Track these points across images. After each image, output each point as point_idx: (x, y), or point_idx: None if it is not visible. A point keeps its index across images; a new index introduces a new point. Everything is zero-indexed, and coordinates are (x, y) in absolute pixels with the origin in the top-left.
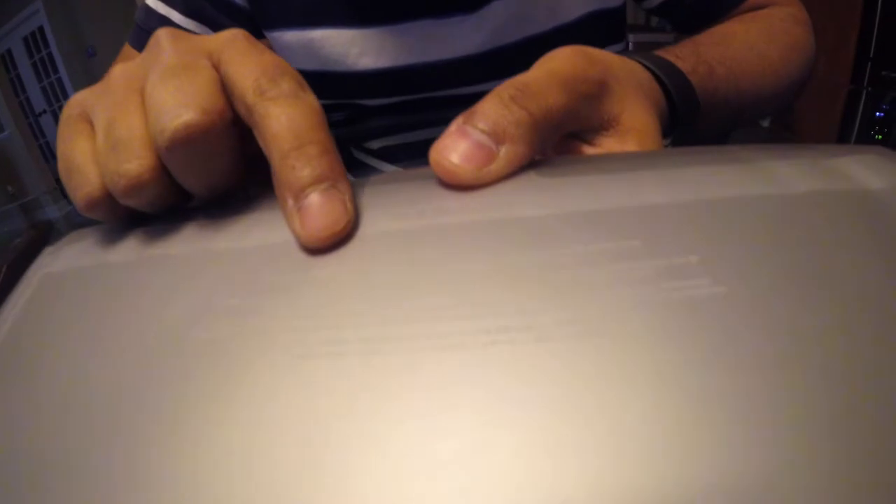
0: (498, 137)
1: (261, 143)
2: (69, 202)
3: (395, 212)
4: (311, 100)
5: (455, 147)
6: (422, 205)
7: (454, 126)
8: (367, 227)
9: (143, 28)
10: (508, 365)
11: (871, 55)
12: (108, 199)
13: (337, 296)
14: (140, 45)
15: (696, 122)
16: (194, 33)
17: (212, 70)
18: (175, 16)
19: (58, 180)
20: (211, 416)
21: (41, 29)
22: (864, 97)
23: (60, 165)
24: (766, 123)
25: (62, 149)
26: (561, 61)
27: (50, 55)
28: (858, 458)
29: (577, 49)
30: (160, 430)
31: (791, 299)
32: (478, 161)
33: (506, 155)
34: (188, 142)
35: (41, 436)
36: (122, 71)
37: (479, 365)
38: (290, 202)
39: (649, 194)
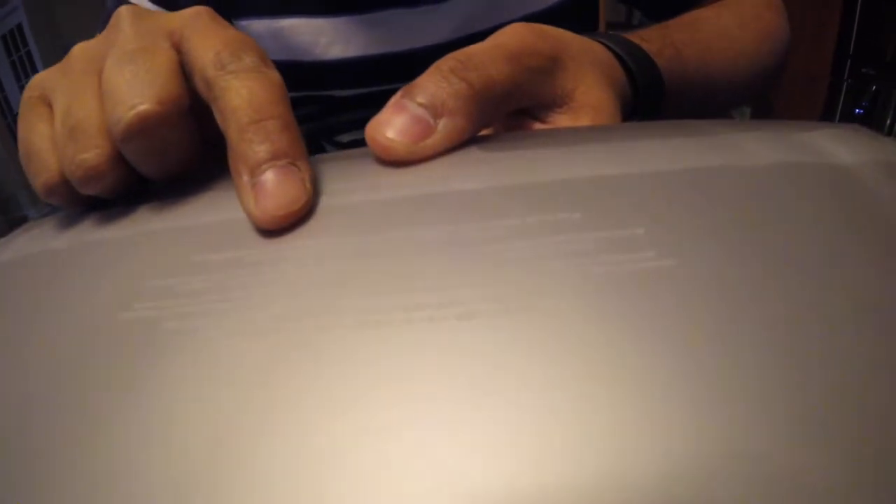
0: (436, 110)
1: (218, 119)
2: (46, 203)
3: (326, 188)
4: (273, 75)
5: (390, 122)
6: (354, 181)
7: (392, 100)
8: None
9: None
10: (423, 344)
11: (851, 52)
12: (66, 186)
13: (260, 275)
14: None
15: (661, 104)
16: None
17: (170, 53)
18: (146, 4)
19: None
20: (131, 395)
21: (20, 27)
22: (843, 91)
23: (20, 149)
24: (746, 114)
25: (22, 132)
26: (509, 35)
27: (29, 54)
28: (819, 438)
29: (529, 25)
30: (76, 415)
31: (747, 273)
32: (413, 135)
33: (444, 128)
34: (143, 132)
35: None
36: (82, 51)
37: (392, 343)
38: (245, 178)
39: (595, 167)
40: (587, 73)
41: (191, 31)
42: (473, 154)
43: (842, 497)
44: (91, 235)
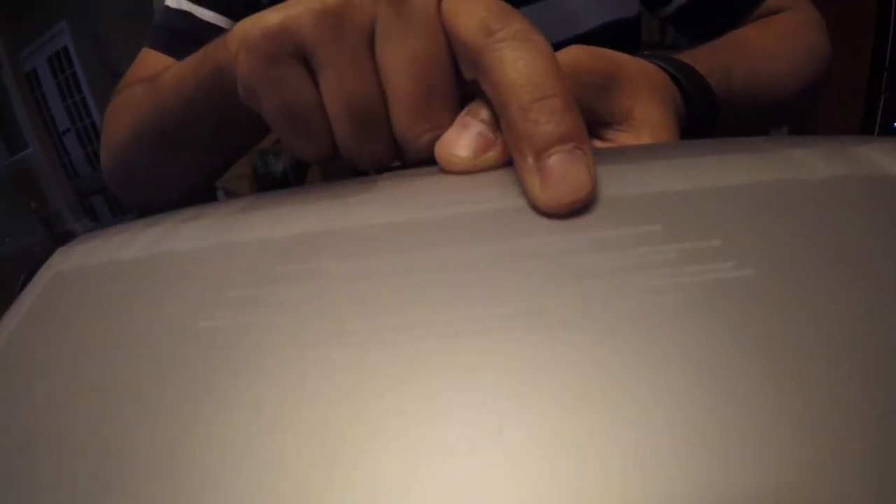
0: (495, 125)
1: (489, 90)
2: (90, 219)
3: (407, 203)
4: (543, 43)
5: (455, 139)
6: (435, 196)
7: (458, 118)
8: (377, 219)
9: (165, 27)
10: (520, 351)
11: (888, 64)
12: (332, 156)
13: (343, 286)
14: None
15: (714, 123)
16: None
17: (443, 41)
18: (199, 11)
19: (80, 197)
20: (215, 404)
21: (65, 49)
22: (881, 104)
23: (276, 108)
24: (784, 132)
25: (280, 93)
26: (565, 54)
27: (74, 75)
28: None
29: (585, 46)
30: (162, 421)
31: (826, 282)
32: (475, 149)
33: (503, 141)
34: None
35: (42, 432)
36: (343, 2)
37: (489, 351)
38: (531, 160)
39: (667, 181)
40: (644, 91)
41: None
42: None
43: None
44: (157, 248)
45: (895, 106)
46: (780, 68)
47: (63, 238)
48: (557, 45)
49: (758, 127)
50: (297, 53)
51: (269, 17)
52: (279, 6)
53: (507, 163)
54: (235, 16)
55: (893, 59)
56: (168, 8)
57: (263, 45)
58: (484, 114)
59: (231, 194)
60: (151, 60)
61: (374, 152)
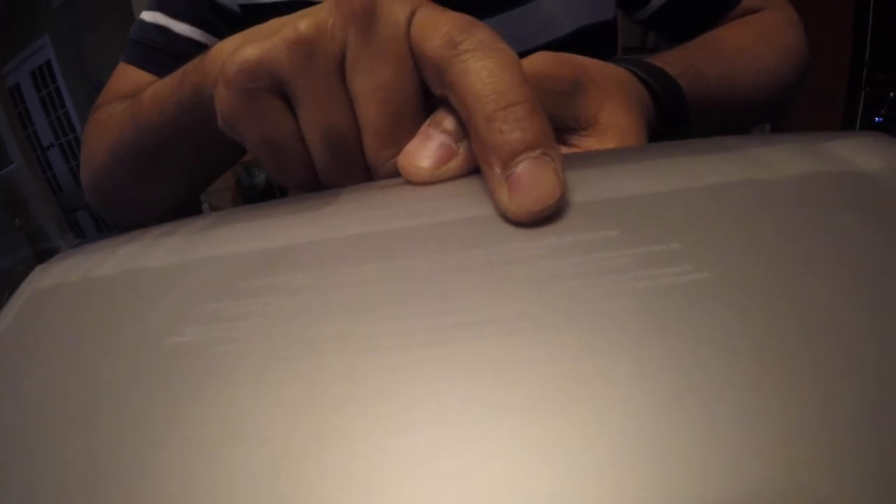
0: (457, 135)
1: (456, 102)
2: (75, 234)
3: (372, 215)
4: (509, 51)
5: (417, 150)
6: (395, 208)
7: (421, 129)
8: (344, 231)
9: (141, 41)
10: (476, 360)
11: (867, 60)
12: (315, 181)
13: (311, 299)
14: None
15: (686, 124)
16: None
17: (410, 67)
18: (175, 24)
19: (65, 212)
20: (186, 420)
21: (48, 63)
22: (862, 100)
23: (257, 141)
24: (766, 130)
25: (258, 125)
26: (529, 62)
27: (57, 89)
28: (866, 456)
29: (550, 53)
30: (134, 437)
31: (784, 282)
32: (437, 160)
33: (464, 151)
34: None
35: (15, 448)
36: (319, 35)
37: (451, 359)
38: (497, 170)
39: (628, 185)
40: (610, 95)
41: (420, 17)
42: None
43: None
44: (132, 264)
45: (876, 101)
46: (756, 67)
47: (47, 255)
48: (533, 51)
49: (738, 126)
50: (274, 87)
51: (247, 52)
52: (255, 35)
53: (469, 172)
54: (211, 28)
55: (873, 55)
56: (143, 22)
57: (241, 80)
58: (446, 124)
59: (215, 208)
60: (129, 75)
61: (352, 180)
